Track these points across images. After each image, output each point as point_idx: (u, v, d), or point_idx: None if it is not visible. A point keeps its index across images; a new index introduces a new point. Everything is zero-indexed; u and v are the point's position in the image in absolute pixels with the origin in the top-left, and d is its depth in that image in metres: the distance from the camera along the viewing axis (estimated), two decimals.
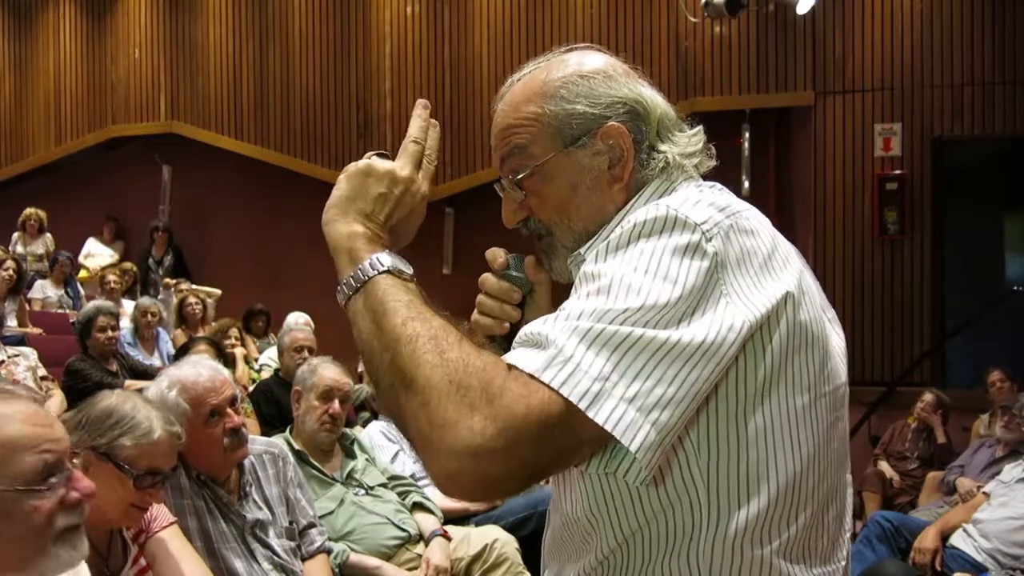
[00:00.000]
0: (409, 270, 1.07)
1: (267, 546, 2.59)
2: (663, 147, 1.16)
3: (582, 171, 1.15)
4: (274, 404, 4.85)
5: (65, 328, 7.06)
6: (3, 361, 5.02)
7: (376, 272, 1.05)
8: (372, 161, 1.15)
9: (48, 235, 9.13)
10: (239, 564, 2.49)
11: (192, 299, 7.47)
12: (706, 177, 1.21)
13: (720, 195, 1.08)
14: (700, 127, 1.20)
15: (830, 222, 7.74)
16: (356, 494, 3.30)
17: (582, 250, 1.15)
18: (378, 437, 4.03)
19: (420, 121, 1.21)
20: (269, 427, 4.52)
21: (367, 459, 3.49)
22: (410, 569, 3.21)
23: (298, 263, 8.90)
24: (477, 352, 0.96)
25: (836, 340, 1.12)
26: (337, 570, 2.99)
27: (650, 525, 1.05)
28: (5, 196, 10.34)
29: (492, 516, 3.80)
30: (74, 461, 1.57)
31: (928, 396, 6.05)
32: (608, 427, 0.91)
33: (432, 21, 9.04)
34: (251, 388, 5.44)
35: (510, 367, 0.95)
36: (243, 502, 2.59)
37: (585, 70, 1.17)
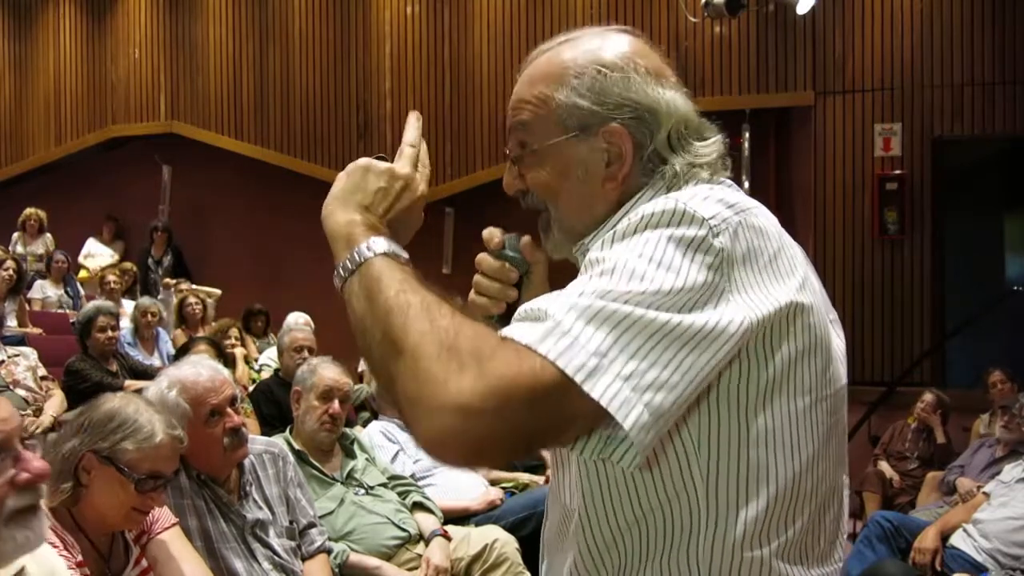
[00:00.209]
0: (404, 255, 1.07)
1: (267, 546, 2.59)
2: (671, 157, 1.13)
3: (577, 163, 1.14)
4: (274, 404, 4.85)
5: (65, 328, 7.07)
6: (3, 361, 5.03)
7: (372, 254, 1.05)
8: (370, 160, 1.16)
9: (48, 235, 9.13)
10: (239, 564, 2.49)
11: (192, 299, 7.47)
12: None
13: (730, 192, 1.08)
14: (718, 137, 1.17)
15: (830, 222, 7.74)
16: (356, 494, 3.30)
17: (586, 240, 1.15)
18: (378, 437, 4.03)
19: (414, 130, 1.20)
20: (269, 427, 4.52)
21: (367, 459, 3.49)
22: (410, 569, 3.21)
23: (298, 263, 8.90)
24: (470, 322, 0.96)
25: (837, 342, 1.12)
26: (337, 570, 2.99)
27: (647, 520, 1.05)
28: (5, 196, 10.34)
29: (492, 516, 3.80)
30: (26, 443, 1.55)
31: (928, 396, 6.04)
32: (603, 402, 0.90)
33: (432, 21, 9.03)
34: (251, 388, 5.44)
35: (504, 338, 0.94)
36: (243, 502, 2.59)
37: (606, 62, 1.14)
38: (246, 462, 2.65)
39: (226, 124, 9.77)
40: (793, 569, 1.06)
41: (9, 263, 6.70)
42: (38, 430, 4.55)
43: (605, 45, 1.16)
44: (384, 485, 3.43)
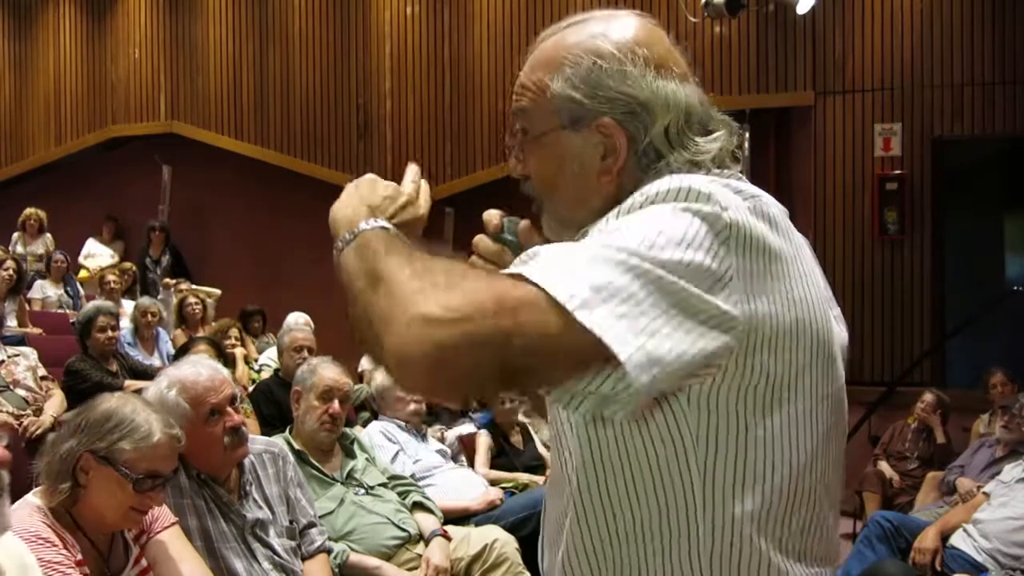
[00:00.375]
0: (404, 239, 1.08)
1: (267, 545, 2.59)
2: (668, 152, 1.11)
3: (573, 154, 1.13)
4: (274, 404, 4.85)
5: (65, 328, 7.06)
6: (3, 361, 5.02)
7: (370, 227, 1.07)
8: (376, 176, 1.21)
9: (48, 235, 9.13)
10: (239, 564, 2.49)
11: (192, 299, 7.47)
12: None
13: (737, 182, 1.07)
14: (723, 132, 1.15)
15: (830, 222, 7.74)
16: (356, 494, 3.30)
17: (588, 230, 1.12)
18: (378, 437, 4.03)
19: (416, 175, 1.27)
20: (269, 427, 4.52)
21: (367, 459, 3.49)
22: (410, 569, 3.21)
23: (298, 263, 8.90)
24: (457, 263, 0.97)
25: (839, 339, 1.11)
26: (337, 570, 2.99)
27: (644, 511, 1.04)
28: (5, 196, 10.34)
29: (492, 516, 3.80)
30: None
31: (928, 396, 6.04)
32: (598, 330, 0.86)
33: (432, 21, 9.03)
34: (251, 388, 5.44)
35: (492, 272, 0.95)
36: (243, 501, 2.59)
37: (603, 52, 1.11)
38: (246, 462, 2.65)
39: (226, 124, 9.77)
40: (794, 565, 1.06)
41: (9, 263, 6.70)
42: (39, 430, 4.54)
43: (608, 31, 1.14)
44: (384, 485, 3.43)
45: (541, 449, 4.91)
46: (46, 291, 8.33)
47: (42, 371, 5.18)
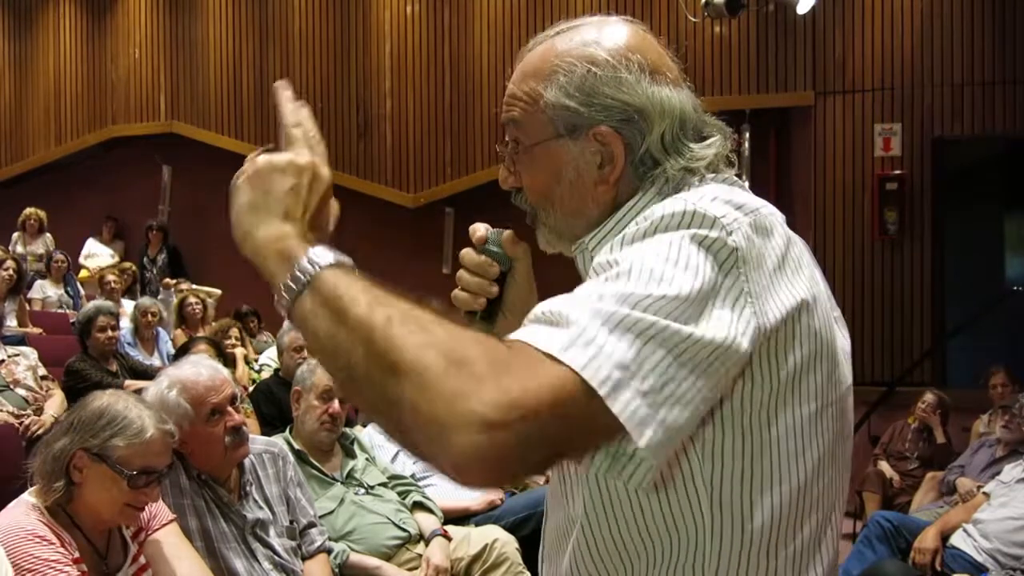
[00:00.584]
0: (349, 260, 0.98)
1: (267, 546, 2.59)
2: (664, 159, 1.10)
3: (569, 163, 1.11)
4: (274, 404, 4.85)
5: (65, 328, 7.06)
6: (3, 361, 5.02)
7: (318, 268, 0.96)
8: (267, 157, 1.08)
9: (48, 235, 9.13)
10: (239, 564, 2.49)
11: (192, 299, 7.47)
12: None
13: (737, 192, 1.05)
14: (718, 138, 1.13)
15: (830, 222, 7.74)
16: (356, 494, 3.30)
17: (586, 239, 1.13)
18: (378, 437, 4.02)
19: (289, 105, 1.13)
20: (269, 427, 4.52)
21: (367, 458, 3.49)
22: (410, 569, 3.21)
23: None
24: (463, 328, 0.90)
25: (842, 342, 1.10)
26: (337, 570, 2.99)
27: (651, 529, 1.03)
28: (5, 196, 10.34)
29: (492, 516, 3.80)
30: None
31: (929, 396, 6.04)
32: (623, 418, 0.86)
33: (432, 21, 9.04)
34: (251, 388, 5.44)
35: (516, 343, 0.89)
36: (243, 502, 2.59)
37: (597, 59, 1.09)
38: (246, 462, 2.65)
39: (226, 124, 9.77)
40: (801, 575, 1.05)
41: (9, 263, 6.70)
42: (39, 430, 4.54)
43: (601, 38, 1.12)
44: (384, 485, 3.43)
45: None
46: (46, 291, 8.33)
47: (42, 371, 5.18)
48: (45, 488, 2.06)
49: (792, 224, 1.08)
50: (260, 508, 2.64)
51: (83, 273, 9.42)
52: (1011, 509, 4.09)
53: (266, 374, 5.93)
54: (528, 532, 3.57)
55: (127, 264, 8.87)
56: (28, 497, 2.08)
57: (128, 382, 5.28)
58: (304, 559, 2.76)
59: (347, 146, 9.24)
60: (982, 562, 4.00)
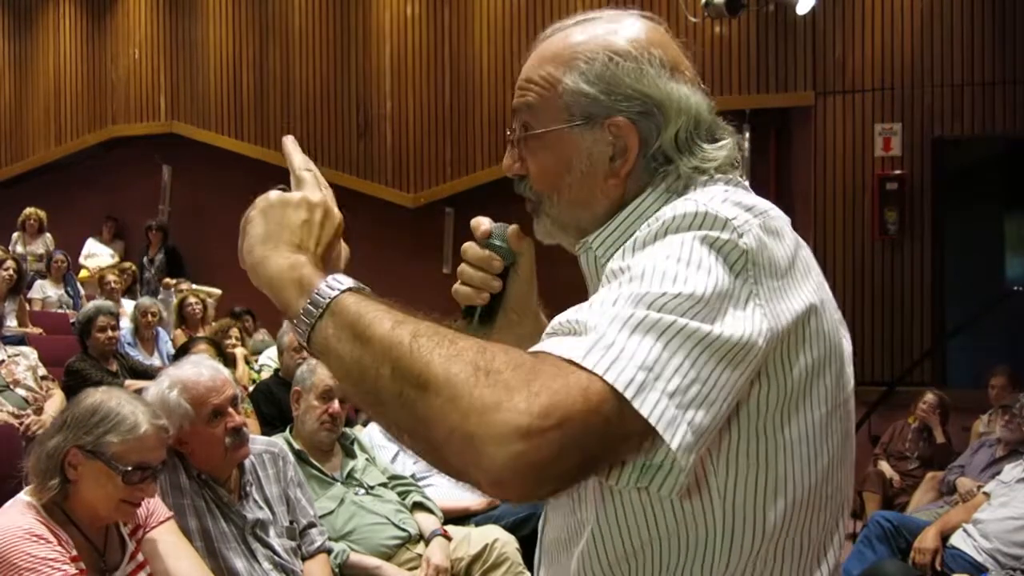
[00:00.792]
0: (368, 288, 0.98)
1: (267, 546, 2.60)
2: (677, 157, 1.09)
3: (581, 153, 1.10)
4: (274, 404, 4.85)
5: (65, 328, 7.06)
6: (3, 361, 5.03)
7: (338, 292, 0.96)
8: (280, 193, 1.10)
9: (48, 235, 9.13)
10: (239, 564, 2.49)
11: (192, 299, 7.47)
12: None
13: (745, 194, 1.05)
14: (729, 140, 1.13)
15: (830, 222, 7.74)
16: (356, 494, 3.30)
17: (589, 239, 1.12)
18: (378, 437, 4.02)
19: (299, 153, 1.16)
20: (269, 427, 4.52)
21: (367, 459, 3.50)
22: (410, 569, 3.21)
23: None
24: (486, 341, 0.89)
25: (846, 344, 1.10)
26: (337, 570, 2.99)
27: (661, 538, 1.02)
28: (5, 196, 10.34)
29: (492, 516, 3.80)
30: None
31: (929, 396, 6.04)
32: (652, 420, 0.84)
33: (432, 21, 9.04)
34: (251, 388, 5.44)
35: (538, 353, 0.88)
36: (244, 502, 2.59)
37: (619, 49, 1.08)
38: (246, 462, 2.65)
39: (226, 124, 9.77)
40: None
41: (9, 263, 6.70)
42: (40, 429, 4.54)
43: (621, 30, 1.11)
44: (384, 485, 3.43)
45: None
46: (46, 291, 8.33)
47: (42, 371, 5.18)
48: (40, 486, 2.06)
49: (792, 224, 1.09)
50: (260, 508, 2.64)
51: (83, 273, 9.42)
52: (1011, 509, 4.09)
53: (266, 374, 5.93)
54: (528, 532, 3.57)
55: (127, 264, 8.87)
56: (24, 496, 2.08)
57: (128, 382, 5.28)
58: (304, 559, 2.76)
59: (347, 146, 9.24)
60: (982, 562, 4.00)
